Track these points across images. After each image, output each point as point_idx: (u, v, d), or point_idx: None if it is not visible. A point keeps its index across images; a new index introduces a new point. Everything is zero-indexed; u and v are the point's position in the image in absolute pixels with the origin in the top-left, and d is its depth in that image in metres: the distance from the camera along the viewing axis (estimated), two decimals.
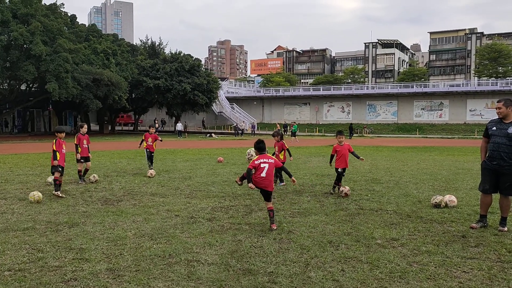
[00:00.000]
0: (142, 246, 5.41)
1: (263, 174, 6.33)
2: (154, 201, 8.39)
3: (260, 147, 6.61)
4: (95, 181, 10.81)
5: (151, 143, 12.75)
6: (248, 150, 7.52)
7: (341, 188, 9.08)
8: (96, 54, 42.89)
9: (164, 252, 5.18)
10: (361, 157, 9.54)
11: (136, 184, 10.60)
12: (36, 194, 8.29)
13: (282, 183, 10.45)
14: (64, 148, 9.25)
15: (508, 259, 5.00)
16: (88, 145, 10.99)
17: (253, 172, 6.36)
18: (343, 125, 59.60)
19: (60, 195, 8.77)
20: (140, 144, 12.95)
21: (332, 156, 9.54)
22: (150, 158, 12.84)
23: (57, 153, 8.99)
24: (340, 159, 9.34)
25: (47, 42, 37.25)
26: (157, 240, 5.67)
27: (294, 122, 45.00)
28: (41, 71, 36.32)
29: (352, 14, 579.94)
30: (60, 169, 9.01)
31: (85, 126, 11.25)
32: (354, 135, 48.08)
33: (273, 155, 10.29)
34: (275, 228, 6.28)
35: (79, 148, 10.68)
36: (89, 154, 11.06)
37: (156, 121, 47.32)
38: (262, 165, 6.35)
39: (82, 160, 10.78)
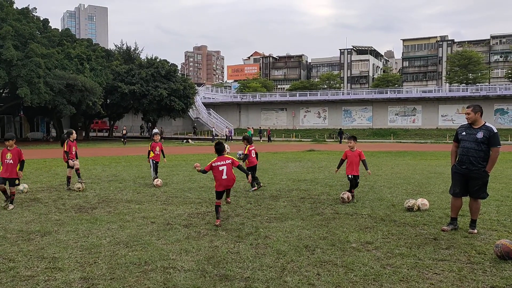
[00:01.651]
0: (117, 254, 5.35)
1: (224, 176, 6.81)
2: (130, 208, 8.30)
3: (217, 149, 7.03)
4: (77, 189, 10.49)
5: (158, 152, 11.82)
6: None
7: (346, 194, 8.89)
8: (70, 59, 42.11)
9: (139, 259, 5.13)
10: (368, 170, 9.01)
11: (111, 191, 10.46)
12: None
13: (254, 188, 10.46)
14: (8, 158, 8.36)
15: (477, 260, 5.15)
16: (76, 151, 11.14)
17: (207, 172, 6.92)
18: (320, 130, 60.28)
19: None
20: (149, 155, 11.79)
21: (341, 161, 9.25)
22: (156, 168, 11.90)
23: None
24: (350, 166, 9.03)
25: (18, 47, 36.43)
26: (132, 248, 5.62)
27: (249, 128, 45.08)
28: (12, 76, 35.45)
29: (327, 22, 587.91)
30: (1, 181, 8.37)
31: (74, 132, 11.27)
32: (330, 140, 48.58)
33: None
34: (218, 224, 6.79)
35: (69, 155, 10.75)
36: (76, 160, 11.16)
37: (125, 128, 46.38)
38: (220, 168, 6.82)
39: (73, 159, 10.82)
